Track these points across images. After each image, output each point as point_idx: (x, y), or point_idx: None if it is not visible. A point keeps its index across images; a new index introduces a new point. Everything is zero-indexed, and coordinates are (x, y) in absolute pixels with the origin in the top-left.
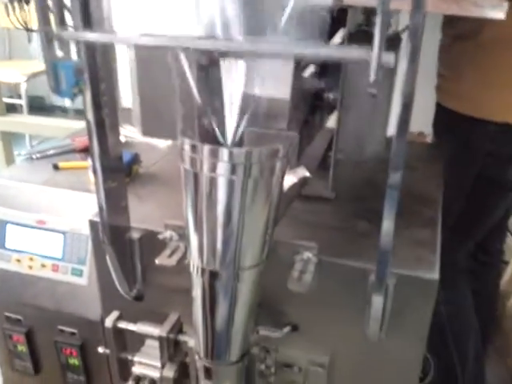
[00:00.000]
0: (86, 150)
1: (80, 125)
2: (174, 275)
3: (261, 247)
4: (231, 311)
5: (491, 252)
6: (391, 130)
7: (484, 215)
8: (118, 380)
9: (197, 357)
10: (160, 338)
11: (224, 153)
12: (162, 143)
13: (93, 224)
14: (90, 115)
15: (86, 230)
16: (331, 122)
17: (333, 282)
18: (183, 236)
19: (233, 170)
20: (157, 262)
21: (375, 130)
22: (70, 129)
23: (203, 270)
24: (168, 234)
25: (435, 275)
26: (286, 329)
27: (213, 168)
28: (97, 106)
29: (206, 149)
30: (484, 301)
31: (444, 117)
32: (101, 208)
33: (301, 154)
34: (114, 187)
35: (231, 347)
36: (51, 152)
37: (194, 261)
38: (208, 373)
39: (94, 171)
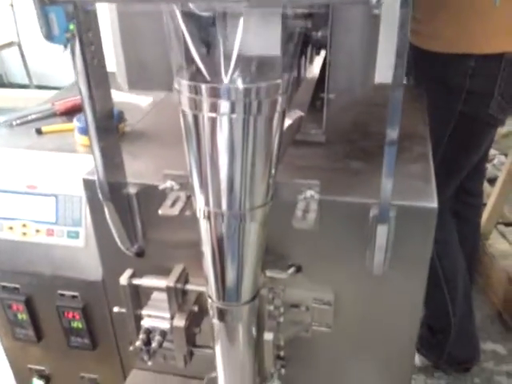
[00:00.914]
0: (68, 113)
1: (44, 94)
2: (175, 228)
3: (266, 187)
4: (240, 252)
5: (473, 193)
6: (379, 77)
7: (468, 153)
8: (136, 338)
9: (209, 300)
10: (168, 289)
11: (223, 90)
12: (143, 102)
13: (87, 182)
14: (80, 67)
15: (79, 191)
16: (317, 67)
17: (334, 220)
18: (183, 185)
19: (233, 107)
20: (160, 212)
21: (366, 69)
22: (32, 99)
23: (210, 214)
24: (168, 183)
25: (434, 204)
26: (291, 270)
27: (213, 107)
28: (85, 57)
29: (205, 88)
30: (467, 241)
31: (421, 59)
32: (97, 163)
33: (291, 97)
34: (107, 143)
35: (242, 288)
36: (31, 117)
37: (200, 205)
38: (221, 314)
39: (87, 123)
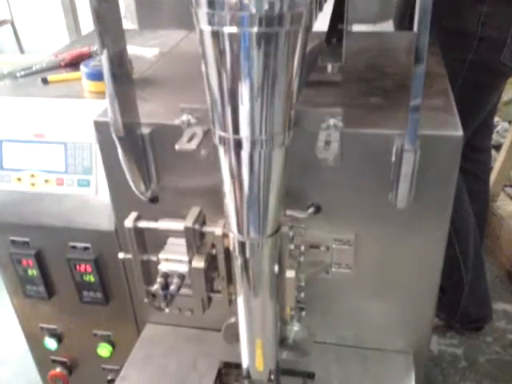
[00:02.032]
0: (73, 64)
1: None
2: (190, 171)
3: (287, 113)
4: (262, 182)
5: (481, 149)
6: None
7: (478, 103)
8: (143, 285)
9: (231, 235)
10: (186, 230)
11: (246, 3)
12: (149, 53)
13: (98, 125)
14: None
15: (88, 138)
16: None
17: (356, 155)
18: (200, 120)
19: (254, 21)
20: (176, 147)
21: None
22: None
23: (232, 141)
24: (185, 117)
25: (459, 132)
26: (311, 210)
27: (234, 21)
28: None
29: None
30: (477, 199)
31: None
32: (110, 100)
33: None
34: (120, 82)
35: (265, 220)
36: (36, 68)
37: (220, 132)
38: (244, 249)
39: (100, 56)
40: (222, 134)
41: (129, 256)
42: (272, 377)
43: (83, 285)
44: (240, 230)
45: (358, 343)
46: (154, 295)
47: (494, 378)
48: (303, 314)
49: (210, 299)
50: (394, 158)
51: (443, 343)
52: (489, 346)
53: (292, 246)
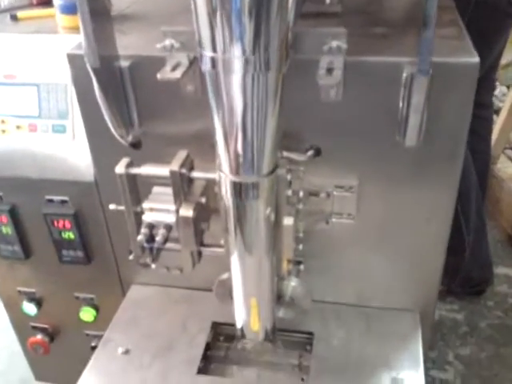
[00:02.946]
0: (46, 3)
1: None
2: (175, 110)
3: (283, 29)
4: (259, 111)
5: (483, 104)
6: None
7: (482, 47)
8: (136, 238)
9: (223, 176)
10: (172, 175)
11: None
12: None
13: (73, 58)
14: None
15: (64, 79)
16: None
17: (361, 87)
18: (185, 44)
19: None
20: (158, 76)
21: None
22: None
23: (223, 62)
24: (167, 42)
25: (475, 58)
26: (310, 152)
27: None
28: None
29: None
30: (479, 157)
31: None
32: (85, 25)
33: None
34: (95, 12)
35: (260, 157)
36: (5, 5)
37: (211, 53)
38: (237, 190)
39: None
40: (211, 54)
41: (121, 207)
42: (268, 336)
43: (62, 243)
44: (233, 170)
45: (359, 301)
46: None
47: (496, 342)
48: (301, 267)
49: (199, 254)
50: (403, 90)
51: (444, 308)
52: (490, 310)
53: (290, 192)
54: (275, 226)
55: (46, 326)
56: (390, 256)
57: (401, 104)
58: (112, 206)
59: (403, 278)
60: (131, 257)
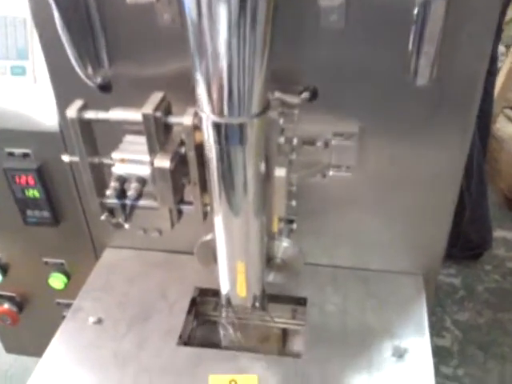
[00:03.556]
0: None
1: None
2: (149, 46)
3: None
4: (247, 36)
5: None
6: None
7: None
8: (95, 195)
9: (204, 116)
10: (145, 119)
11: None
12: None
13: None
14: None
15: (22, 11)
16: None
17: (367, 15)
18: None
19: None
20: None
21: None
22: None
23: None
24: None
25: None
26: (305, 94)
27: None
28: None
29: None
30: (481, 114)
31: None
32: None
33: None
34: None
35: (248, 93)
36: None
37: None
38: (221, 134)
39: None
40: None
41: (75, 158)
42: (257, 303)
43: (26, 202)
44: (216, 109)
45: (357, 264)
46: (111, 211)
47: (494, 306)
48: (294, 226)
49: (179, 212)
50: (415, 17)
51: (441, 273)
52: (487, 274)
53: (282, 139)
54: (265, 180)
55: (12, 294)
56: (392, 215)
57: (412, 35)
58: (66, 158)
59: (406, 239)
60: (103, 217)
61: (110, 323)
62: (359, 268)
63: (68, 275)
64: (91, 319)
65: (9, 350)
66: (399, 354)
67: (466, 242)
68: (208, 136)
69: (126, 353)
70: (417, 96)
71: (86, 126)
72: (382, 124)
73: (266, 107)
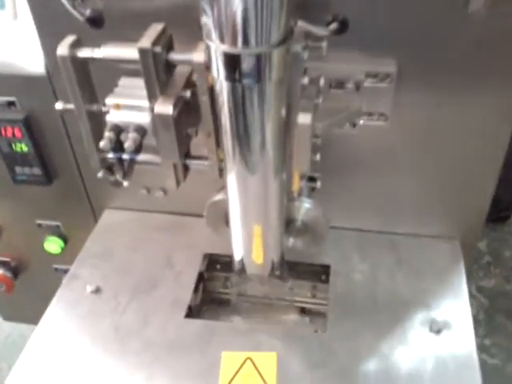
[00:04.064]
0: None
1: None
2: None
3: None
4: None
5: None
6: None
7: None
8: (94, 149)
9: (213, 46)
10: (143, 55)
11: None
12: None
13: None
14: None
15: None
16: None
17: None
18: None
19: None
20: None
21: None
22: None
23: None
24: None
25: None
26: (333, 25)
27: None
28: None
29: None
30: None
31: None
32: None
33: None
34: None
35: (266, 18)
36: None
37: None
38: (233, 66)
39: None
40: None
41: (70, 106)
42: (276, 272)
43: (14, 157)
44: (228, 37)
45: (387, 227)
46: (110, 168)
47: None
48: (318, 185)
49: (186, 168)
50: None
51: None
52: None
53: (306, 80)
54: (286, 129)
55: (7, 259)
56: (429, 171)
57: None
58: (59, 106)
59: (444, 199)
60: (100, 174)
61: (110, 293)
62: (389, 232)
63: (65, 239)
64: (89, 288)
65: (7, 317)
66: (437, 328)
67: (493, 202)
68: (218, 73)
69: (127, 326)
70: (468, 28)
71: (81, 66)
72: (424, 63)
73: (288, 35)
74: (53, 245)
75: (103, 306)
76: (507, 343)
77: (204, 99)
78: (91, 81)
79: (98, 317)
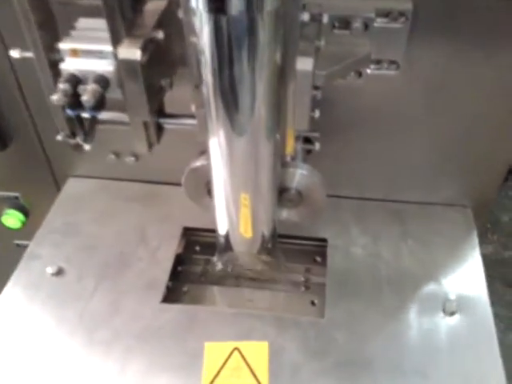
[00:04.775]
0: None
1: None
2: None
3: None
4: None
5: None
6: None
7: None
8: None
9: None
10: None
11: None
12: None
13: None
14: None
15: None
16: None
17: None
18: None
19: None
20: None
21: None
22: None
23: None
24: None
25: None
26: None
27: None
28: None
29: None
30: None
31: None
32: None
33: None
34: None
35: None
36: None
37: None
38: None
39: None
40: None
41: (28, 54)
42: (269, 244)
43: None
44: None
45: (391, 195)
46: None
47: None
48: (316, 147)
49: (159, 128)
50: None
51: None
52: None
53: (306, 16)
54: (281, 78)
55: None
56: (443, 133)
57: None
58: (15, 53)
59: (455, 162)
60: (59, 136)
61: (74, 275)
62: (394, 200)
63: (25, 212)
64: (49, 269)
65: None
66: (450, 308)
67: None
68: (197, 2)
69: (95, 314)
70: None
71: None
72: (446, 2)
73: None
74: (11, 219)
75: (66, 291)
76: (506, 312)
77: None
78: (54, 22)
79: (60, 303)
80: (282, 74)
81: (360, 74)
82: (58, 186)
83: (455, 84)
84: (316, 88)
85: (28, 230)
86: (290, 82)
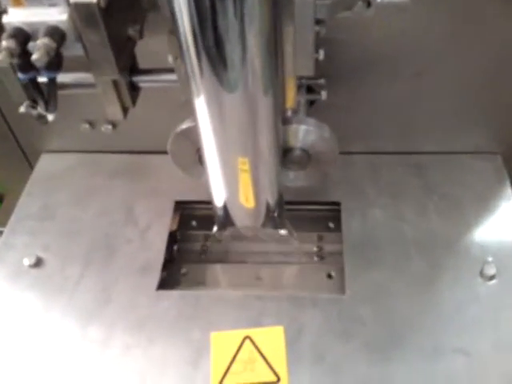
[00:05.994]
0: None
1: None
2: None
3: None
4: None
5: None
6: None
7: None
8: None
9: None
10: None
11: None
12: None
13: None
14: None
15: None
16: None
17: None
18: None
19: None
20: None
21: None
22: None
23: None
24: None
25: None
26: None
27: None
28: None
29: None
30: None
31: None
32: None
33: None
34: None
35: None
36: None
37: None
38: None
39: None
40: None
41: None
42: (275, 213)
43: None
44: None
45: (409, 147)
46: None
47: None
48: (323, 96)
49: (134, 88)
50: None
51: None
52: None
53: None
54: (276, 14)
55: None
56: (466, 70)
57: None
58: None
59: (484, 105)
60: (22, 108)
61: (55, 265)
62: (413, 151)
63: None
64: (27, 261)
65: None
66: (489, 273)
67: None
68: None
69: (82, 307)
70: None
71: None
72: None
73: None
74: None
75: (47, 284)
76: None
77: None
78: None
79: (41, 299)
80: (277, 9)
81: (369, 4)
82: (30, 164)
83: (480, 14)
84: (319, 22)
85: (3, 215)
86: (287, 17)
